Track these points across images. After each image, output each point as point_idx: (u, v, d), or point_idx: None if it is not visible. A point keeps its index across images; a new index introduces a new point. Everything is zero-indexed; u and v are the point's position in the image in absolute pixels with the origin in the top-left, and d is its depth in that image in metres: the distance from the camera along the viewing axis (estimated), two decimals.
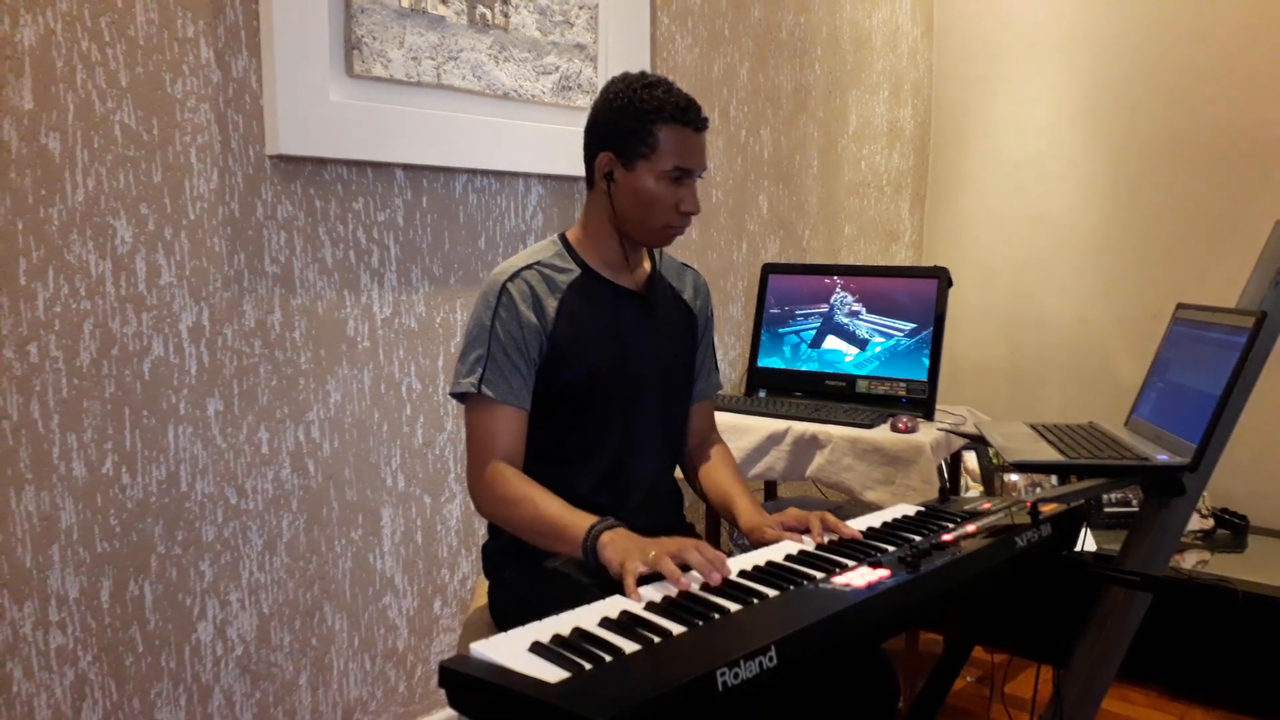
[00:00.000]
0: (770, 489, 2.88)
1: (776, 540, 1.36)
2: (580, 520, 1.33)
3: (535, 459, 1.49)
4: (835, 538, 1.34)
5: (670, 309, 1.61)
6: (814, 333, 2.71)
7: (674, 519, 1.63)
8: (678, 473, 1.69)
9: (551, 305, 1.47)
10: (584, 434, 1.50)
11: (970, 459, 3.04)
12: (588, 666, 0.89)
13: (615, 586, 1.16)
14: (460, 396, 1.47)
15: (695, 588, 1.13)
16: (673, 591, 1.11)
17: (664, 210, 1.46)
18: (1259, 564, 2.66)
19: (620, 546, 1.25)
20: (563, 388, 1.47)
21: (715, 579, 1.15)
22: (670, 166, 1.44)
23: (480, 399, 1.43)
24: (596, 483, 1.50)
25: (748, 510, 1.51)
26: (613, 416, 1.51)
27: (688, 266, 1.68)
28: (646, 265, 1.60)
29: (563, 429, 1.50)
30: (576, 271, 1.51)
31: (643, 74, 1.48)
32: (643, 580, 1.16)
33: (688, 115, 1.44)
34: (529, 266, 1.48)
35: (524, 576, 1.49)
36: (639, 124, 1.43)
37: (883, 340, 2.60)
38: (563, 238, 1.55)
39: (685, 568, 1.18)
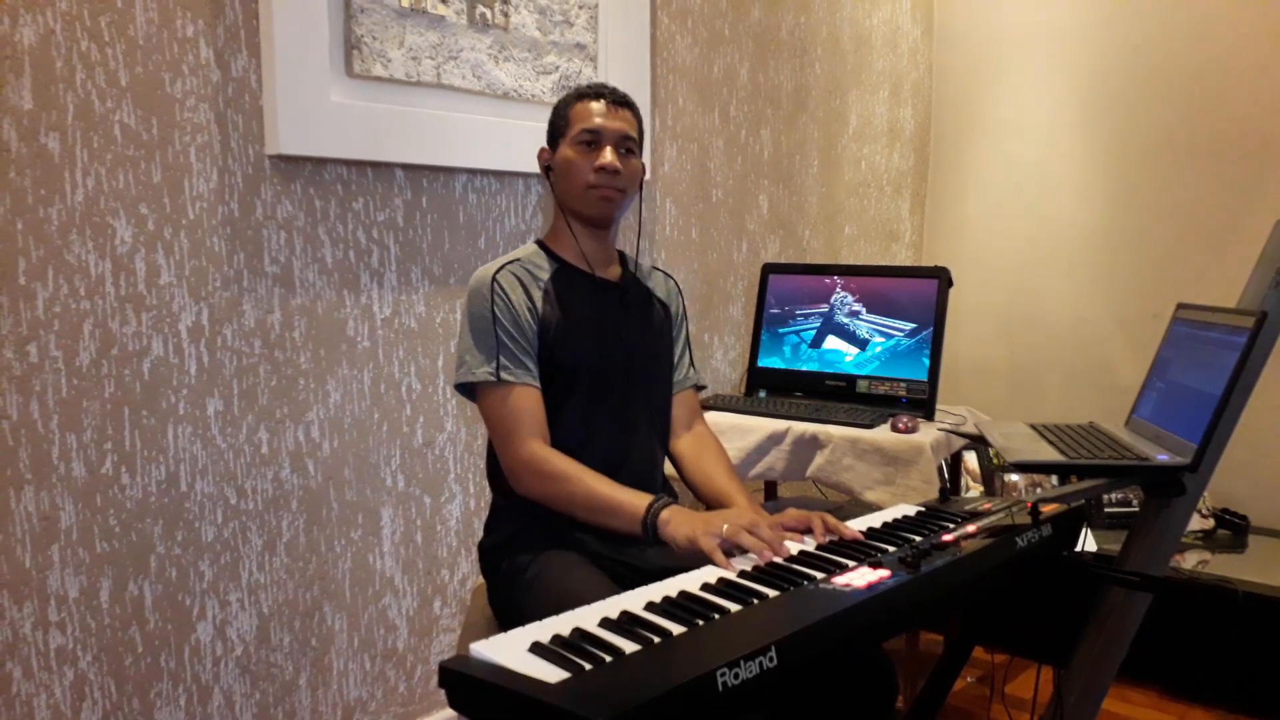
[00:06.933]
0: (770, 489, 2.88)
1: None
2: (635, 498, 1.39)
3: None
4: (836, 539, 1.34)
5: (646, 303, 1.68)
6: (814, 333, 2.71)
7: None
8: (670, 469, 1.69)
9: (537, 294, 1.54)
10: (576, 416, 1.54)
11: (970, 459, 3.04)
12: (588, 667, 0.89)
13: (638, 580, 1.18)
14: (469, 389, 1.51)
15: (739, 571, 1.16)
16: (684, 587, 1.11)
17: (582, 171, 1.54)
18: (1259, 564, 2.65)
19: (684, 522, 1.31)
20: (554, 372, 1.52)
21: (767, 558, 1.21)
22: (578, 130, 1.54)
23: (500, 385, 1.48)
24: (593, 466, 1.49)
25: (744, 507, 1.50)
26: (599, 400, 1.55)
27: (657, 269, 1.76)
28: (618, 268, 1.67)
29: (553, 411, 1.53)
30: (555, 265, 1.59)
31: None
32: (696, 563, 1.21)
33: (594, 90, 1.56)
34: (510, 264, 1.56)
35: (520, 569, 1.50)
36: (558, 114, 1.59)
37: (883, 340, 2.60)
38: (539, 241, 1.63)
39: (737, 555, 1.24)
